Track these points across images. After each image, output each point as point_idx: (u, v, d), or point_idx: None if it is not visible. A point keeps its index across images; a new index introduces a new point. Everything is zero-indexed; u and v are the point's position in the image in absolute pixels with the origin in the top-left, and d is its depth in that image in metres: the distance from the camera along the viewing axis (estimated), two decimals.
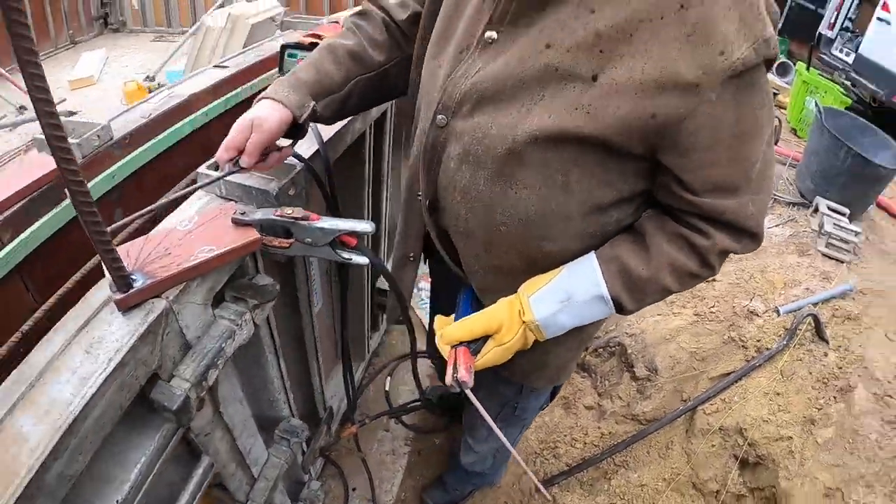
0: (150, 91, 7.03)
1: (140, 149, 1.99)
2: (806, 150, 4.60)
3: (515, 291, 1.29)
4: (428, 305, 3.70)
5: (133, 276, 1.05)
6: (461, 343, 1.28)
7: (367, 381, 3.27)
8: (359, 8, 1.53)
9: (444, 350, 1.30)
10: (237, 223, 1.21)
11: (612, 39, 0.95)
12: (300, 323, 1.93)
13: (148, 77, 7.59)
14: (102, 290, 1.13)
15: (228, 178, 1.32)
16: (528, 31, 1.04)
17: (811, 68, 6.56)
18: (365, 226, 1.21)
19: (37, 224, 1.67)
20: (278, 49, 1.81)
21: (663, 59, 0.92)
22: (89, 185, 1.78)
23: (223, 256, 1.15)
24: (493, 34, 1.09)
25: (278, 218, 1.19)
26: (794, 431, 2.40)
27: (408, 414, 3.14)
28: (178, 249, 1.13)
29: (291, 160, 1.45)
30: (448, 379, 1.24)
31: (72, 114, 6.99)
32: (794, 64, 7.19)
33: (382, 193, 2.57)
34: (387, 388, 3.27)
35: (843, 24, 7.71)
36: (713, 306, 3.28)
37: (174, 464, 1.30)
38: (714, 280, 3.45)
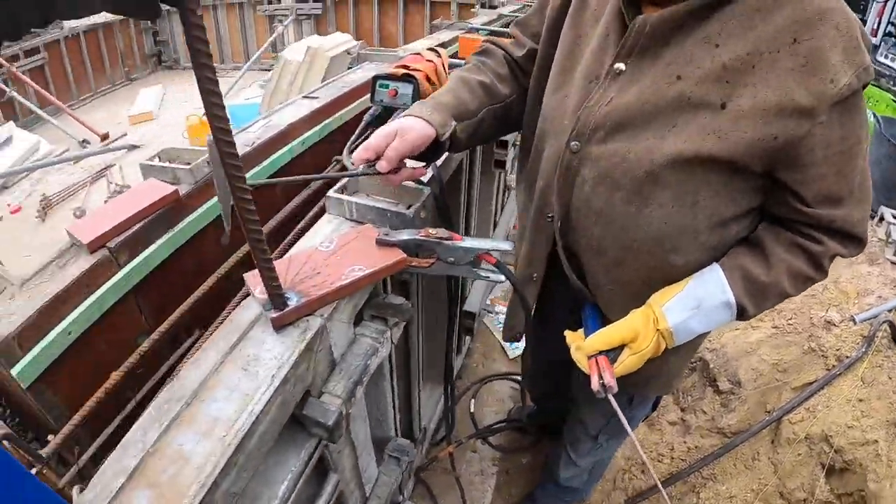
0: None
1: (249, 173, 2.03)
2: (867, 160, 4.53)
3: (638, 305, 1.36)
4: (502, 326, 3.74)
5: (287, 296, 1.06)
6: (599, 353, 1.32)
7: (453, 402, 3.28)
8: (482, 46, 1.68)
9: (582, 361, 1.36)
10: (382, 244, 1.23)
11: (737, 71, 1.08)
12: (408, 343, 1.93)
13: None
14: (249, 309, 1.15)
15: (363, 202, 1.38)
16: (656, 62, 1.17)
17: None
18: (505, 245, 1.24)
19: (152, 248, 1.72)
20: (360, 81, 1.86)
21: (782, 87, 1.05)
22: (202, 209, 1.82)
23: (373, 275, 1.18)
24: (622, 66, 1.20)
25: (424, 238, 1.22)
26: (879, 435, 2.37)
27: (494, 434, 3.15)
28: (327, 269, 1.16)
29: (410, 183, 1.49)
30: (594, 385, 1.30)
31: (134, 147, 7.23)
32: None
33: (472, 219, 2.67)
34: (472, 410, 3.27)
35: (885, 29, 7.58)
36: (791, 318, 3.27)
37: (306, 483, 1.30)
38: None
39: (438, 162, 1.69)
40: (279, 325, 1.06)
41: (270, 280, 1.00)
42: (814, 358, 2.89)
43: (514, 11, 5.96)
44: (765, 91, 1.06)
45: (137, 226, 1.69)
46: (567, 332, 1.48)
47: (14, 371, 1.40)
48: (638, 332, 1.30)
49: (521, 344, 3.59)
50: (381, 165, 1.27)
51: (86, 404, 1.44)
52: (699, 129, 1.12)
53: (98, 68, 9.98)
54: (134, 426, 0.95)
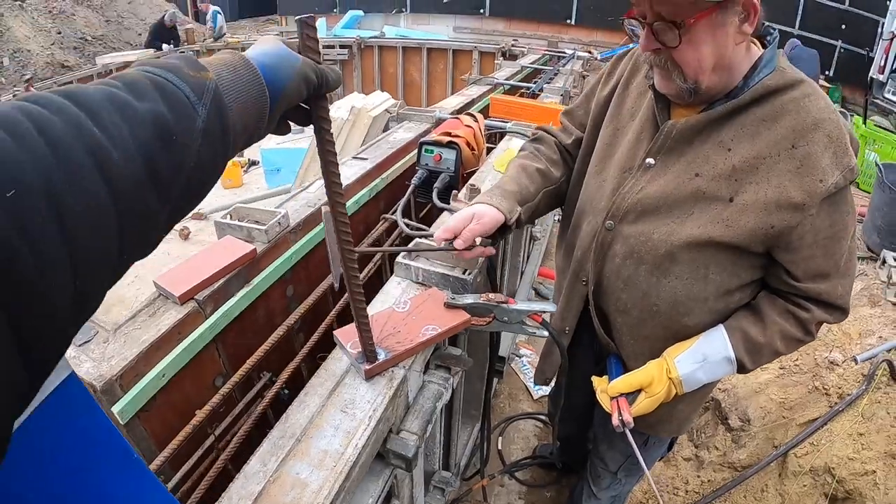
0: (243, 167, 7.48)
1: (309, 234, 2.26)
2: (870, 205, 4.75)
3: (656, 356, 1.61)
4: (527, 368, 3.91)
5: (377, 351, 1.29)
6: (620, 395, 1.58)
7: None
8: (536, 134, 1.95)
9: (605, 401, 1.64)
10: (449, 306, 1.46)
11: (744, 171, 1.33)
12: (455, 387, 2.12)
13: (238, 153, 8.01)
14: (339, 361, 1.38)
15: (427, 267, 1.63)
16: (679, 160, 1.43)
17: (868, 120, 6.62)
18: (550, 307, 1.48)
19: (233, 300, 1.93)
20: (403, 141, 2.07)
21: (779, 186, 1.29)
22: (273, 265, 2.04)
23: (444, 333, 1.42)
24: (652, 161, 1.47)
25: (485, 302, 1.45)
26: (877, 466, 2.55)
27: (522, 469, 3.31)
28: (406, 328, 1.40)
29: None
30: (615, 421, 1.56)
31: None
32: (850, 115, 7.23)
33: (504, 269, 2.87)
34: (499, 447, 3.43)
35: (892, 66, 7.74)
36: (797, 359, 3.47)
37: None
38: None
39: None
40: (371, 376, 1.29)
41: (367, 337, 1.23)
42: (818, 396, 3.07)
43: (534, 62, 6.24)
44: (766, 188, 1.31)
45: (221, 281, 1.90)
46: (594, 378, 1.73)
47: (114, 409, 1.57)
48: (653, 378, 1.55)
49: (546, 386, 3.78)
50: (458, 244, 1.47)
51: (175, 438, 1.60)
52: (711, 218, 1.38)
53: None
54: (253, 458, 1.16)
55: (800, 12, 10.41)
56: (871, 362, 2.99)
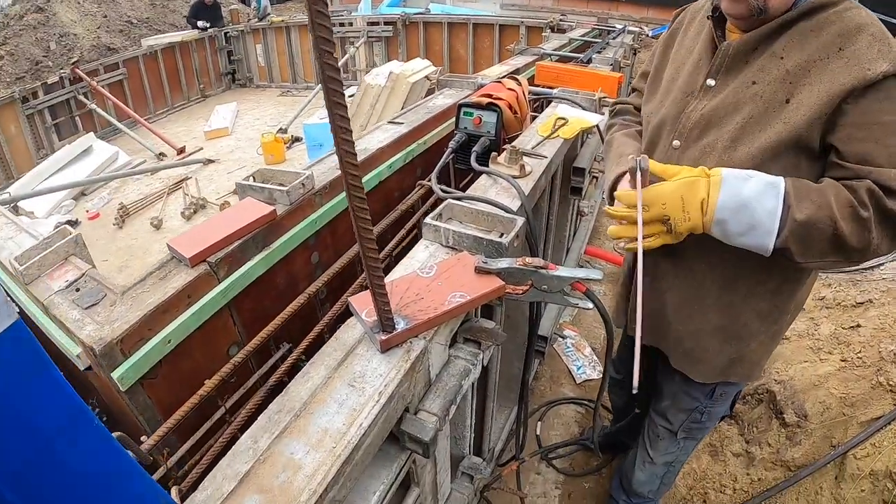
0: (285, 143, 7.44)
1: (337, 198, 2.13)
2: None
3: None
4: (571, 351, 3.76)
5: (395, 319, 1.12)
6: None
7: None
8: (616, 108, 2.10)
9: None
10: (481, 271, 1.28)
11: (797, 74, 1.40)
12: (487, 365, 1.97)
13: (281, 129, 8.07)
14: (353, 329, 1.21)
15: (459, 229, 1.50)
16: (737, 76, 1.52)
17: None
18: (596, 275, 1.26)
19: (249, 264, 1.80)
20: (442, 107, 1.94)
21: (831, 80, 1.35)
22: (295, 229, 1.90)
23: (474, 301, 1.24)
24: (712, 81, 1.57)
25: (522, 267, 1.26)
26: None
27: (561, 450, 3.19)
28: (430, 295, 1.23)
29: (500, 212, 1.58)
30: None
31: (210, 161, 7.47)
32: None
33: (548, 244, 2.75)
34: (538, 432, 3.28)
35: None
36: (859, 352, 3.19)
37: (393, 495, 1.35)
38: (858, 326, 3.39)
39: (526, 190, 1.76)
40: (387, 347, 1.13)
41: (383, 305, 1.07)
42: (882, 392, 2.83)
43: (584, 35, 6.00)
44: (818, 85, 1.36)
45: (237, 243, 1.78)
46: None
47: (114, 374, 1.48)
48: (683, 170, 1.46)
49: (588, 369, 3.63)
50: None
51: (181, 408, 1.52)
52: (770, 120, 1.44)
53: (174, 85, 10.37)
54: (244, 434, 1.02)
55: None
56: None
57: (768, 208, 1.36)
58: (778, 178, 1.38)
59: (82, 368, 1.54)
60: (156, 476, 1.55)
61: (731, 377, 1.88)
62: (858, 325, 3.40)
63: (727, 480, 2.98)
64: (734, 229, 1.40)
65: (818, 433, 2.86)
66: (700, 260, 1.68)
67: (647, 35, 7.30)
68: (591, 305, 1.32)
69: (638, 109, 2.01)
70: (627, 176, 1.59)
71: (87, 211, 6.56)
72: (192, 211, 6.18)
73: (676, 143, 1.64)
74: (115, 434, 1.39)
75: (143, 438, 1.48)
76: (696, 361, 1.85)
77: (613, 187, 1.73)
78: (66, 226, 1.92)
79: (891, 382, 2.82)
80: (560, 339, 3.89)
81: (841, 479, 2.60)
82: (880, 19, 1.41)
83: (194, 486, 0.97)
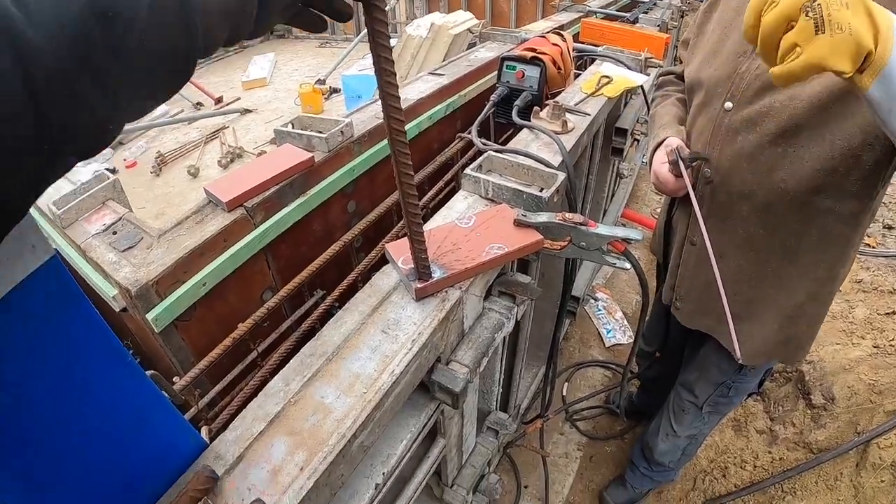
0: (324, 94, 7.41)
1: (376, 146, 2.11)
2: None
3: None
4: (602, 314, 3.74)
5: (431, 268, 1.11)
6: None
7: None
8: (659, 81, 2.12)
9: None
10: (520, 224, 1.27)
11: None
12: (519, 321, 1.97)
13: (319, 80, 8.03)
14: (388, 276, 1.21)
15: (499, 181, 1.47)
16: None
17: None
18: (636, 234, 1.24)
19: (286, 210, 1.80)
20: (484, 60, 1.90)
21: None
22: (333, 177, 1.90)
23: (512, 254, 1.22)
24: None
25: (561, 222, 1.24)
26: None
27: (584, 419, 3.19)
28: (468, 245, 1.21)
29: (541, 166, 1.56)
30: None
31: (248, 111, 7.48)
32: None
33: (586, 204, 2.76)
34: (564, 393, 3.29)
35: None
36: (892, 339, 3.19)
37: (419, 444, 1.36)
38: (894, 313, 3.39)
39: (568, 147, 1.74)
40: (422, 296, 1.12)
41: (420, 252, 1.06)
42: None
43: None
44: None
45: (274, 188, 1.77)
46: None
47: (149, 315, 1.49)
48: None
49: (618, 334, 3.61)
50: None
51: (214, 350, 1.53)
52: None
53: None
54: (276, 377, 1.02)
55: None
56: None
57: None
58: None
59: (118, 310, 1.56)
60: (187, 416, 1.59)
61: (774, 356, 1.85)
62: (894, 312, 3.40)
63: (748, 456, 3.01)
64: None
65: (844, 418, 2.87)
66: (759, 224, 1.63)
67: None
68: (628, 266, 1.29)
69: (680, 78, 1.97)
70: (668, 165, 1.65)
71: (125, 160, 6.63)
72: (228, 160, 6.21)
73: (729, 104, 1.58)
74: (148, 372, 1.43)
75: (174, 379, 1.49)
76: (743, 341, 1.80)
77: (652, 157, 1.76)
78: (105, 171, 1.92)
79: None
80: (592, 300, 3.87)
81: (862, 468, 2.62)
82: None
83: (224, 427, 0.98)
